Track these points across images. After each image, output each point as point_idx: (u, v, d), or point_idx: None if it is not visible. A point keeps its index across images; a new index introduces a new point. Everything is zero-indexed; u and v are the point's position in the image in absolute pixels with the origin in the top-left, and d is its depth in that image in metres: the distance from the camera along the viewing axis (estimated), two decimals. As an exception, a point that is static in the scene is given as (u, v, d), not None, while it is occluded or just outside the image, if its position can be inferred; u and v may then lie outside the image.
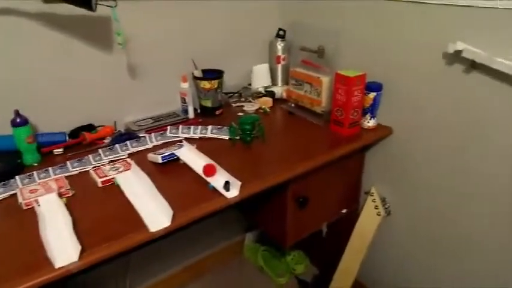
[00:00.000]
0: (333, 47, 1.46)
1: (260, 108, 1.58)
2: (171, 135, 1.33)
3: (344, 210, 1.52)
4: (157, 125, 1.41)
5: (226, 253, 2.04)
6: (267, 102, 1.59)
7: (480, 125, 1.13)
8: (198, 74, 1.48)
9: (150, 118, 1.46)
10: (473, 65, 1.10)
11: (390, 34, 1.29)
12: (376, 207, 1.49)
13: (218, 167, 1.07)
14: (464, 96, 1.14)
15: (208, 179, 1.03)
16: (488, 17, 1.02)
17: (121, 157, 1.19)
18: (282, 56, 1.68)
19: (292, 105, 1.55)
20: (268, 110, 1.56)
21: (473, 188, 1.20)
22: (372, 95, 1.33)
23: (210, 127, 1.38)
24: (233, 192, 1.00)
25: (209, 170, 1.05)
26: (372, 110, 1.35)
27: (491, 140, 1.11)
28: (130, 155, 1.21)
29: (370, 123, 1.37)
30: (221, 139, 1.32)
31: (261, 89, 1.67)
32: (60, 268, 0.76)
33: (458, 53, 1.08)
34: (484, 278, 1.25)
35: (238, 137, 1.26)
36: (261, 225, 1.59)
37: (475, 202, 1.20)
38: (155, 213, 0.91)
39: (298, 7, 1.64)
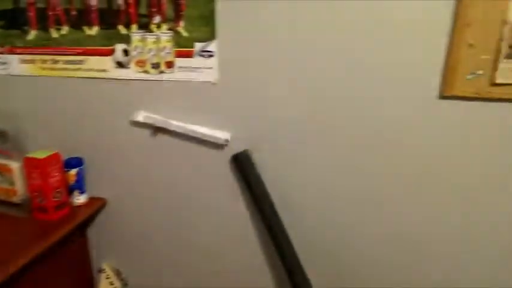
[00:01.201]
0: (17, 129, 1.31)
1: None
2: None
3: (77, 301, 1.37)
4: None
5: None
6: None
7: (185, 184, 1.27)
8: None
9: None
10: (157, 129, 1.24)
11: (80, 109, 1.28)
12: (111, 283, 1.42)
13: None
14: (158, 156, 1.26)
15: None
16: (163, 87, 1.18)
17: None
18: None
19: (-19, 201, 1.29)
20: None
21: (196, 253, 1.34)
22: (74, 171, 1.27)
23: None
24: None
25: None
26: (79, 186, 1.29)
27: (202, 200, 1.28)
28: None
29: (80, 199, 1.30)
30: None
31: None
32: None
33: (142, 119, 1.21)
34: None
35: None
36: None
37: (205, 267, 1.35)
38: None
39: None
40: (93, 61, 1.19)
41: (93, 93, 1.25)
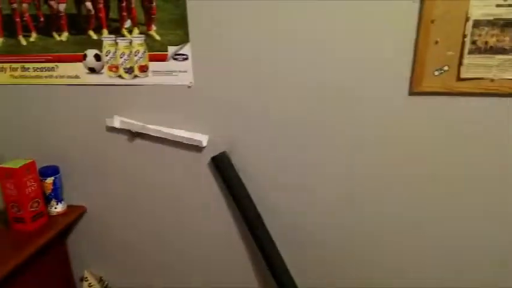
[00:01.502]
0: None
1: None
2: None
3: (59, 311, 1.35)
4: None
5: None
6: None
7: (167, 187, 1.27)
8: None
9: None
10: (134, 133, 1.23)
11: (54, 117, 1.26)
12: (94, 290, 1.41)
13: None
14: (137, 161, 1.25)
15: None
16: (138, 91, 1.17)
17: None
18: None
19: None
20: None
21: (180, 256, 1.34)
22: (50, 179, 1.25)
23: None
24: None
25: None
26: (56, 195, 1.27)
27: (183, 202, 1.27)
28: None
29: (58, 208, 1.29)
30: None
31: None
32: None
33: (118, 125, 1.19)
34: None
35: None
36: None
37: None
38: None
39: None
40: (65, 67, 1.17)
41: (67, 100, 1.23)
